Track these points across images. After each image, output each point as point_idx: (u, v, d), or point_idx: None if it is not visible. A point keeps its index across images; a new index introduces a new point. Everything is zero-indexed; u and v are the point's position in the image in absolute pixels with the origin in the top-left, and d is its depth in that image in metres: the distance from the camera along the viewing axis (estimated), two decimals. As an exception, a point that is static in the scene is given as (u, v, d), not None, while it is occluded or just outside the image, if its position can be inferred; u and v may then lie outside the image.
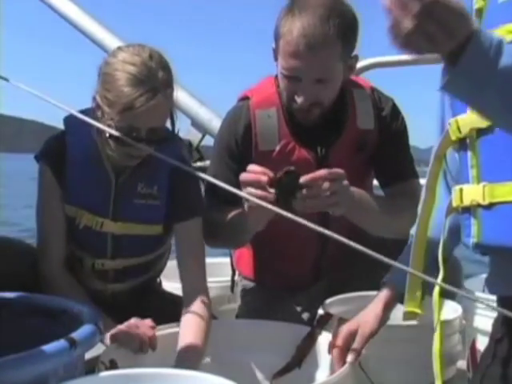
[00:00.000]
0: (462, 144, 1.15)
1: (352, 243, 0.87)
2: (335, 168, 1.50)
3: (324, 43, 1.56)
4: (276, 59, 1.69)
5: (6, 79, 1.12)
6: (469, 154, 1.12)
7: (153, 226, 1.66)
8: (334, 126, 1.75)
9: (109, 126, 1.46)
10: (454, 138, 1.16)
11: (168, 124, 1.62)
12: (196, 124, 2.79)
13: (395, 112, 1.81)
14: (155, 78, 1.45)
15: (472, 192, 1.11)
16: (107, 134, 1.48)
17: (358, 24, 1.64)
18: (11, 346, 1.07)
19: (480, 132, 1.09)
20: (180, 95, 2.79)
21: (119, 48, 1.54)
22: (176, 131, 1.64)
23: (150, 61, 1.46)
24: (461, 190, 1.14)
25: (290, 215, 0.96)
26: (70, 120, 1.62)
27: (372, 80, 1.94)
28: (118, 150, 1.53)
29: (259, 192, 1.39)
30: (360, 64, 2.74)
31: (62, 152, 1.62)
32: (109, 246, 1.65)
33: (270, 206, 1.06)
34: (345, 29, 1.58)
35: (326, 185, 1.44)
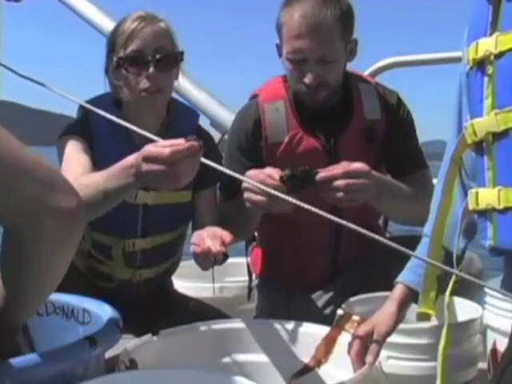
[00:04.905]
0: (479, 147, 1.15)
1: (363, 230, 0.86)
2: (346, 159, 1.57)
3: (324, 22, 1.65)
4: (280, 55, 1.76)
5: (42, 84, 1.15)
6: (485, 157, 1.13)
7: (183, 192, 1.69)
8: (341, 116, 1.82)
9: (117, 61, 1.65)
10: (469, 141, 1.16)
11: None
12: (215, 124, 2.80)
13: (401, 103, 1.88)
14: (153, 15, 1.67)
15: (487, 196, 1.11)
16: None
17: (353, 9, 1.75)
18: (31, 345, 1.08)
19: (496, 136, 1.09)
20: (199, 95, 2.80)
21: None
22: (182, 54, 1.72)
23: (146, 13, 1.68)
24: (476, 194, 1.14)
25: (301, 203, 0.96)
26: (89, 103, 1.67)
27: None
28: (132, 86, 1.64)
29: (269, 180, 1.48)
30: (379, 64, 2.73)
31: (88, 132, 1.68)
32: (140, 221, 1.70)
33: (282, 196, 1.07)
34: (342, 11, 1.69)
35: (342, 182, 1.48)
